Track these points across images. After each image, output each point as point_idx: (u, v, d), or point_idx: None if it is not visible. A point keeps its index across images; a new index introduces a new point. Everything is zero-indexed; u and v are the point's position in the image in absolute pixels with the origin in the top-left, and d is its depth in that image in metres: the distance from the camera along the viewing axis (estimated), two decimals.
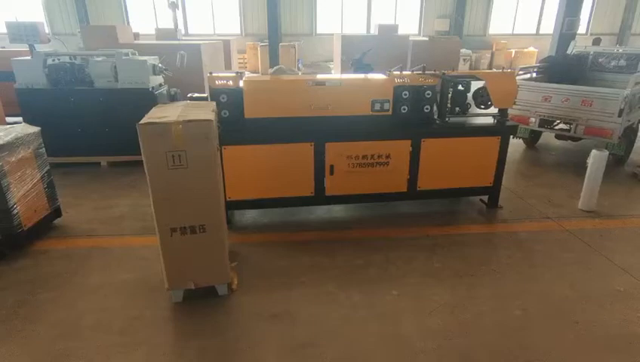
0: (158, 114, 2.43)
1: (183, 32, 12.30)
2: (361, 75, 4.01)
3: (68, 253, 3.28)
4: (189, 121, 2.30)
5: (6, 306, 2.67)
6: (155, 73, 5.14)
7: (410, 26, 16.37)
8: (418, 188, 3.87)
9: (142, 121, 2.25)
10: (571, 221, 3.91)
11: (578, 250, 3.44)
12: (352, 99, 3.53)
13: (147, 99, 5.06)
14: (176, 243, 2.49)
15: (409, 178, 3.83)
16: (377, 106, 3.57)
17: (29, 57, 4.99)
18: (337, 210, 4.10)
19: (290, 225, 3.84)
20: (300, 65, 14.38)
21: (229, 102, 3.41)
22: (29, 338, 2.42)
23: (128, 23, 14.88)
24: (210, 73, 3.52)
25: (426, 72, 3.75)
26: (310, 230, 3.74)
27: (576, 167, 5.33)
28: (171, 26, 10.90)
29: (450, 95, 3.83)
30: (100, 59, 5.01)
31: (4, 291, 2.81)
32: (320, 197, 3.76)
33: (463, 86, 3.84)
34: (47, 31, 8.15)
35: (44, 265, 3.13)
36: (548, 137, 6.38)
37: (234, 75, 3.53)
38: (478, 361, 2.31)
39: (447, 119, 3.87)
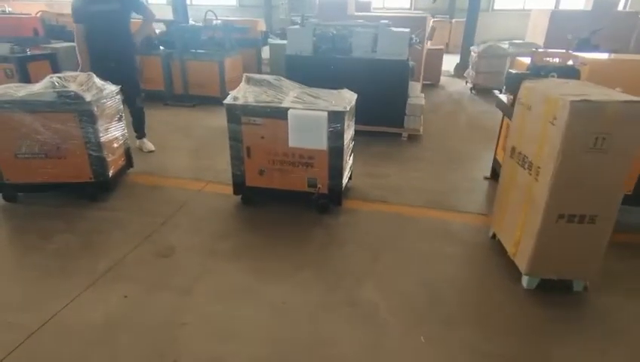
0: (559, 90, 2.25)
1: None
2: None
3: (375, 215, 3.46)
4: (627, 101, 2.07)
5: (360, 258, 2.90)
6: (409, 45, 5.11)
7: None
8: None
9: (573, 98, 2.09)
10: None
11: None
12: None
13: (402, 70, 5.09)
14: (558, 230, 2.34)
15: None
16: None
17: (298, 26, 5.38)
18: None
19: None
20: None
21: None
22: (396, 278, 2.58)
23: None
24: (536, 49, 3.26)
25: None
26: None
27: None
28: None
29: None
30: (360, 29, 5.16)
31: (349, 244, 3.06)
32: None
33: None
34: None
35: (361, 223, 3.34)
36: None
37: (563, 52, 3.21)
38: None
39: None
